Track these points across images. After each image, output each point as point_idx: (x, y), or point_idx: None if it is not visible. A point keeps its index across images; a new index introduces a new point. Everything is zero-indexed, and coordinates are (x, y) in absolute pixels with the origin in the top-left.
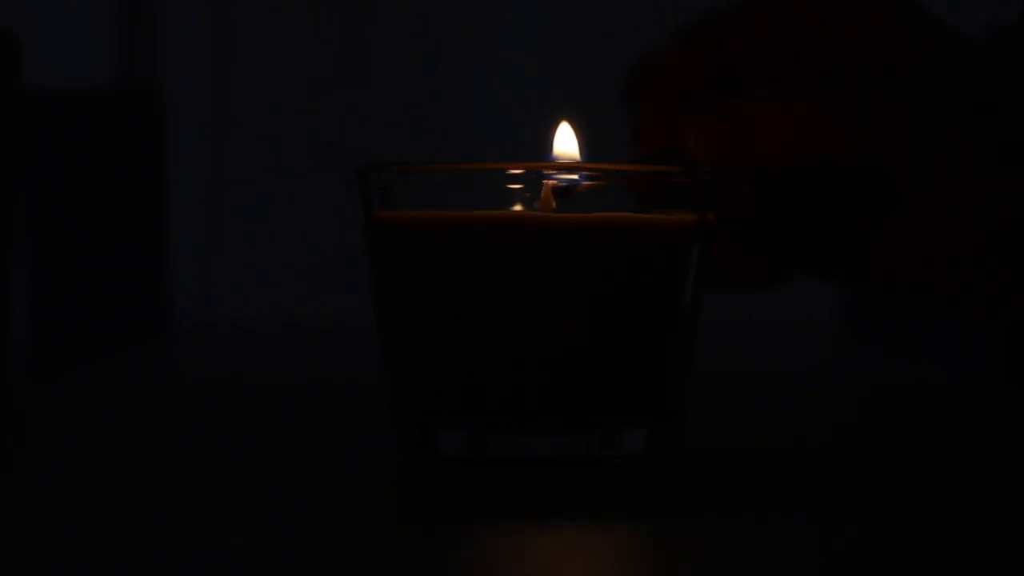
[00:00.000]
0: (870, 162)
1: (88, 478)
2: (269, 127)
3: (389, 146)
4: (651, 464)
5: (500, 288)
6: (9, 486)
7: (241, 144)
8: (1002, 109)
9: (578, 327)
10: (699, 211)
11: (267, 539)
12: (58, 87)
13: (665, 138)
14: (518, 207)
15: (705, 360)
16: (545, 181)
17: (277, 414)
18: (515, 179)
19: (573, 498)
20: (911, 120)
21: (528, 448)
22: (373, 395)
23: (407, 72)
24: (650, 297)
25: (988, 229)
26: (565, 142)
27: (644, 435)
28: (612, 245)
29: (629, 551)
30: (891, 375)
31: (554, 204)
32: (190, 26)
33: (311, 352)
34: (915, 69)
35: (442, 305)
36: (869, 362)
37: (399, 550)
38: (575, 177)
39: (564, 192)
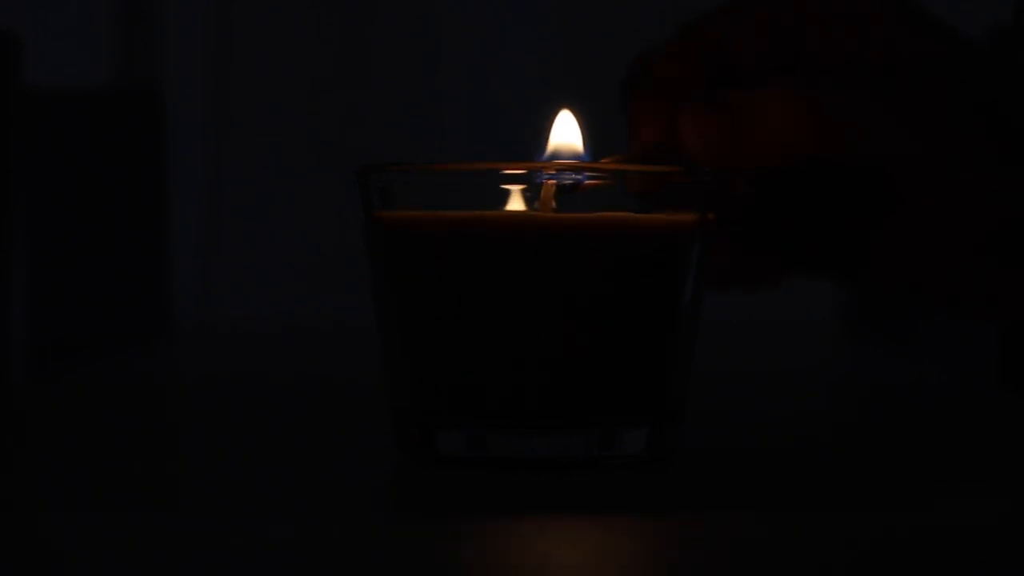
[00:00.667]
0: (869, 161)
1: (88, 478)
2: (269, 127)
3: (389, 146)
4: (651, 464)
5: (500, 288)
6: (9, 486)
7: (241, 144)
8: (1002, 109)
9: (578, 327)
10: (699, 211)
11: (267, 539)
12: (58, 87)
13: (662, 135)
14: (516, 201)
15: (705, 360)
16: (546, 181)
17: (277, 414)
18: (515, 179)
19: (573, 498)
20: (911, 120)
21: (528, 448)
22: (373, 395)
23: (407, 72)
24: (650, 297)
25: (988, 229)
26: (566, 131)
27: (644, 435)
28: (612, 245)
29: (629, 551)
30: (891, 375)
31: (554, 204)
32: (190, 26)
33: (311, 352)
34: (915, 69)
35: (442, 305)
36: (869, 362)
37: (399, 550)
38: (577, 176)
39: (568, 190)
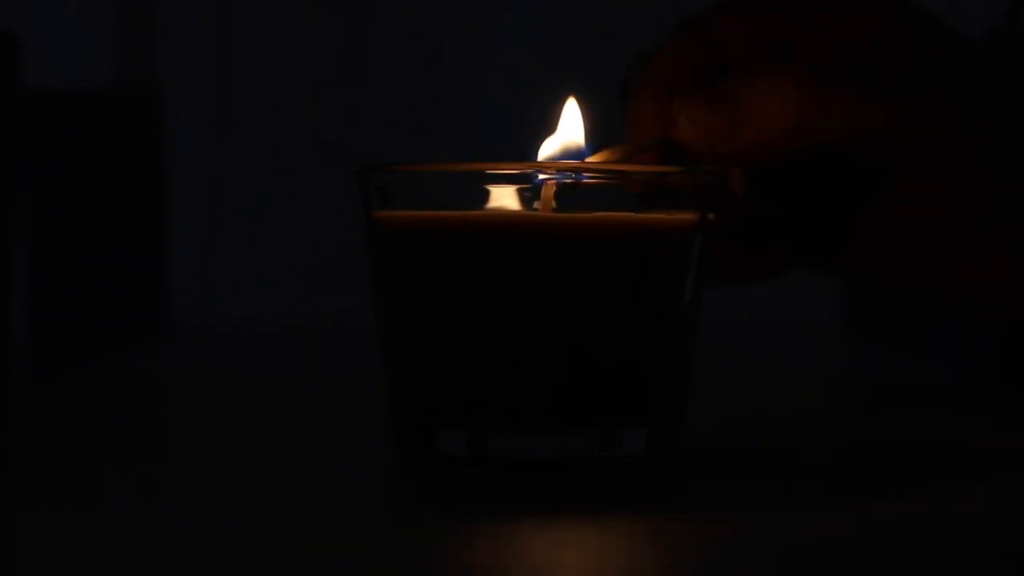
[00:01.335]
0: (867, 149)
1: (88, 478)
2: (269, 127)
3: (389, 146)
4: (651, 464)
5: (500, 288)
6: (9, 486)
7: (241, 144)
8: (1002, 109)
9: (578, 327)
10: (699, 211)
11: (267, 539)
12: (58, 87)
13: (661, 130)
14: (510, 198)
15: (705, 360)
16: (546, 181)
17: (277, 414)
18: (514, 179)
19: (573, 498)
20: (909, 109)
21: (528, 448)
22: (373, 395)
23: (407, 72)
24: (650, 297)
25: (986, 215)
26: (570, 125)
27: (644, 435)
28: (612, 245)
29: (629, 551)
30: (891, 375)
31: (554, 204)
32: (190, 26)
33: (311, 352)
34: (915, 69)
35: (442, 305)
36: (869, 362)
37: (399, 550)
38: (576, 176)
39: (569, 188)
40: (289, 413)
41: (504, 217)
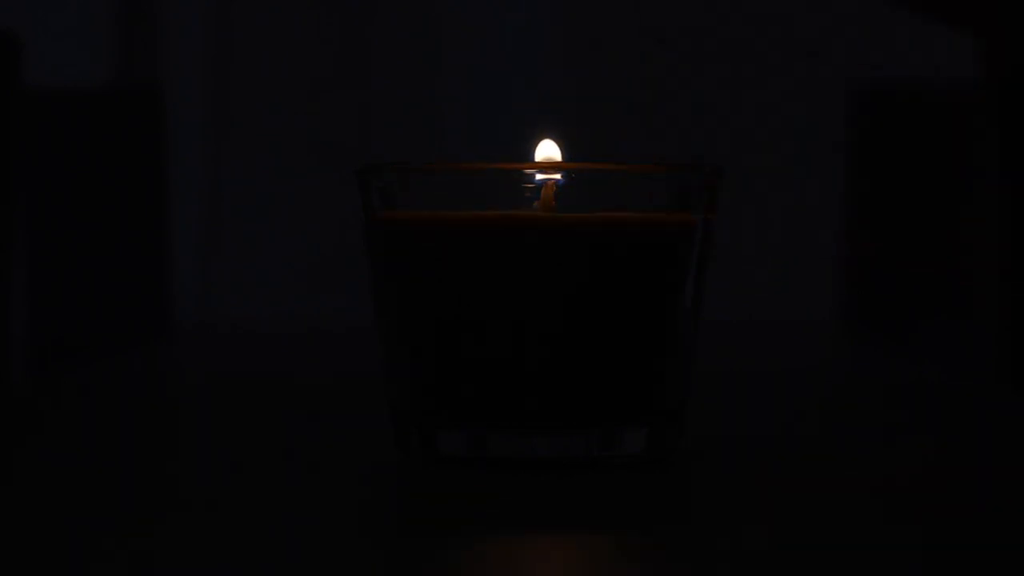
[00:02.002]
0: None
1: (88, 478)
2: (269, 127)
3: (389, 146)
4: (651, 464)
5: (500, 288)
6: (9, 486)
7: (241, 144)
8: None
9: (578, 327)
10: (699, 211)
11: (267, 539)
12: (58, 87)
13: None
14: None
15: (705, 360)
16: (547, 181)
17: (277, 414)
18: (516, 179)
19: (573, 498)
20: None
21: (528, 448)
22: (373, 395)
23: (407, 72)
24: (650, 297)
25: None
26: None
27: (644, 435)
28: (612, 245)
29: (628, 551)
30: (891, 375)
31: (554, 204)
32: (190, 26)
33: (311, 352)
34: None
35: (442, 305)
36: (869, 362)
37: (400, 550)
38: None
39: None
40: (289, 413)
41: (504, 217)
